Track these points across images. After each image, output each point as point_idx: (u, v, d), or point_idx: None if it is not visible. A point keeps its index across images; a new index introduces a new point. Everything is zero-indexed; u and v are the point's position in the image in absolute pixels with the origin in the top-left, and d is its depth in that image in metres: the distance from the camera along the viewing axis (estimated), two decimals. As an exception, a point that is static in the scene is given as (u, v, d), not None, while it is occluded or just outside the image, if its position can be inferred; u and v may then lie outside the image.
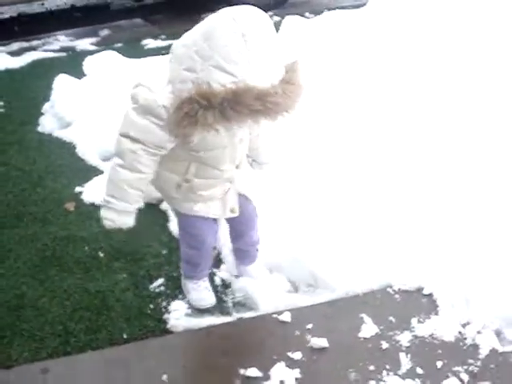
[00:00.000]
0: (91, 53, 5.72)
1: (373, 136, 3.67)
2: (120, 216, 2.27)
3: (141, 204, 2.32)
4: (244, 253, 2.82)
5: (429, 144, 3.54)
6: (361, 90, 4.08)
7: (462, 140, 3.51)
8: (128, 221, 2.30)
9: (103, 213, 2.29)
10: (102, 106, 4.27)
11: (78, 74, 5.05)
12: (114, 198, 2.24)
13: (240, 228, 2.72)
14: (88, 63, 5.04)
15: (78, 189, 3.71)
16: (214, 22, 1.97)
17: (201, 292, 2.71)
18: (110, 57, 5.14)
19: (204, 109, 1.92)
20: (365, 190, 3.24)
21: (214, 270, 2.92)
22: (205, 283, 2.74)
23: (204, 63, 1.93)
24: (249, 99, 1.89)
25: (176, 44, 2.09)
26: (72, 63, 5.53)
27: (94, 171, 3.86)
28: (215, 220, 2.58)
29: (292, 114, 2.05)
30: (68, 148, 4.19)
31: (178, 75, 2.03)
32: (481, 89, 3.87)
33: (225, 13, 1.97)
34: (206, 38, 1.95)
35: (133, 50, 6.09)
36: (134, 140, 2.13)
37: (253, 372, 2.34)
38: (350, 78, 4.21)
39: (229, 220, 2.68)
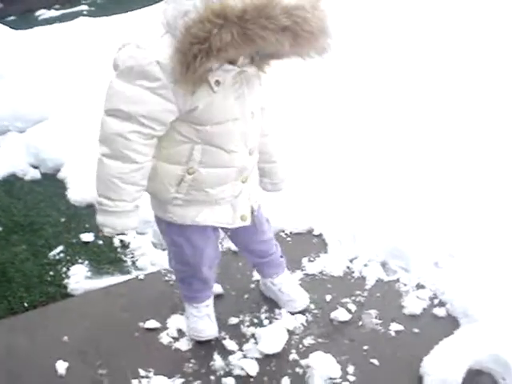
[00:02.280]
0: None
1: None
2: (120, 219, 1.84)
3: (141, 198, 1.88)
4: (261, 266, 2.46)
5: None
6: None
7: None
8: (130, 223, 1.87)
9: (99, 219, 1.86)
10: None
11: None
12: (108, 199, 1.80)
13: (243, 239, 2.31)
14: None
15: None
16: None
17: (200, 321, 2.34)
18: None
19: (218, 28, 1.50)
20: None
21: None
22: (207, 309, 2.35)
23: None
24: (275, 11, 1.50)
25: None
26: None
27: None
28: (215, 228, 2.14)
29: (321, 53, 1.67)
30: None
31: (181, 8, 1.59)
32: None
33: None
34: None
35: (26, 22, 5.93)
36: (124, 117, 1.69)
37: (152, 324, 2.43)
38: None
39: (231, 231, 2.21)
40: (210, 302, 2.37)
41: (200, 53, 1.53)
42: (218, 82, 1.68)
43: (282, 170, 2.25)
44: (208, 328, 2.34)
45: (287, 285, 2.47)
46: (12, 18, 6.27)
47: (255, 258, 2.40)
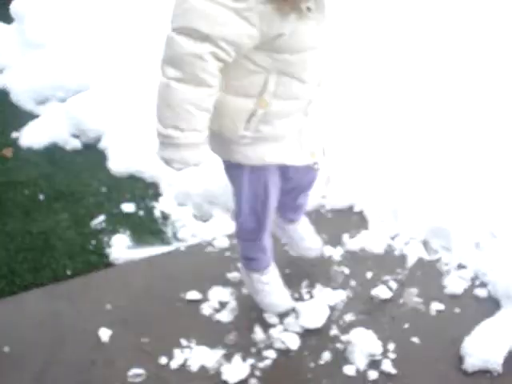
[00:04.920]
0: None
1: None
2: (191, 150, 1.67)
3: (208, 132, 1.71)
4: (297, 208, 2.44)
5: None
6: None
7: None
8: (201, 155, 1.71)
9: (166, 154, 1.68)
10: (35, 51, 4.20)
11: (5, 19, 4.91)
12: (179, 130, 1.63)
13: (302, 183, 2.26)
14: (15, 7, 4.87)
15: (14, 134, 3.68)
16: None
17: (273, 293, 2.31)
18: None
19: None
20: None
21: (154, 203, 2.99)
22: (275, 279, 2.32)
23: None
24: None
25: None
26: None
27: (30, 116, 3.81)
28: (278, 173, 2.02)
29: None
30: (1, 95, 4.13)
31: None
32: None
33: None
34: None
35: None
36: (201, 38, 1.51)
37: (193, 295, 2.45)
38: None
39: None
40: (275, 269, 2.33)
41: None
42: (309, 9, 1.59)
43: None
44: (283, 301, 2.34)
45: (308, 230, 2.51)
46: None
47: (298, 200, 2.34)
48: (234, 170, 1.96)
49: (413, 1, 4.13)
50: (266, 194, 1.99)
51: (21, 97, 3.98)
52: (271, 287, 2.32)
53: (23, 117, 3.82)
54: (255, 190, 1.98)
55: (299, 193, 2.31)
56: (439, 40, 3.75)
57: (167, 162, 1.70)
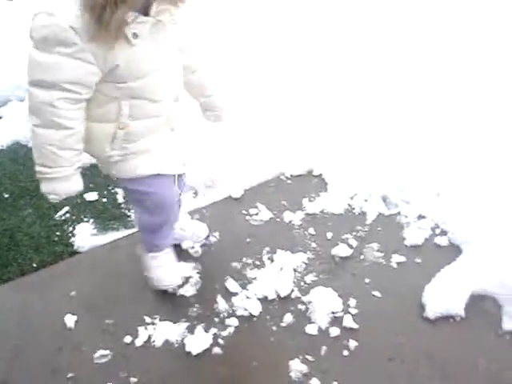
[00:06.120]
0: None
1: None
2: (62, 184, 1.86)
3: (81, 162, 1.89)
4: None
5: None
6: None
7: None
8: (74, 186, 1.90)
9: (42, 187, 1.87)
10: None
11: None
12: (46, 167, 1.81)
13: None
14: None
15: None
16: None
17: (164, 269, 2.39)
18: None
19: None
20: (255, 80, 3.30)
21: (116, 190, 3.00)
22: (168, 256, 2.41)
23: None
24: None
25: None
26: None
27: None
28: (169, 177, 2.13)
29: None
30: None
31: None
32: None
33: None
34: None
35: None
36: (48, 86, 1.67)
37: (156, 273, 2.46)
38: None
39: None
40: (171, 249, 2.43)
41: (107, 3, 1.53)
42: (135, 35, 1.68)
43: (220, 101, 2.24)
44: (171, 276, 2.40)
45: (186, 221, 2.58)
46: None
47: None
48: (119, 182, 2.16)
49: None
50: (156, 195, 2.11)
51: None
52: (164, 265, 2.39)
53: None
54: (144, 194, 2.10)
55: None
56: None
57: (44, 194, 1.89)
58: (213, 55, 2.86)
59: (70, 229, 2.84)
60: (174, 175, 2.13)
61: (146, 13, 1.71)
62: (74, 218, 2.91)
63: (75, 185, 1.90)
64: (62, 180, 1.84)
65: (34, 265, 2.68)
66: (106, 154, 1.93)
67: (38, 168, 1.82)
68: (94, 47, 1.63)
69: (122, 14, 1.57)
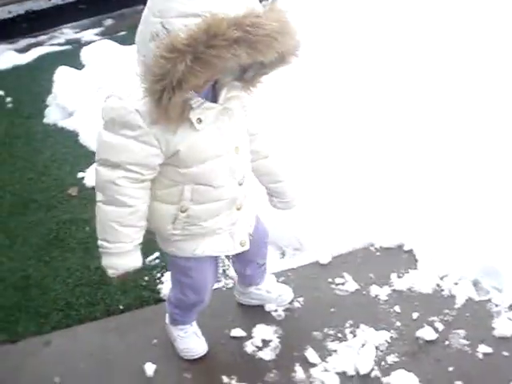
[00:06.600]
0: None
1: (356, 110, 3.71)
2: (121, 259, 1.92)
3: (141, 239, 1.95)
4: (251, 277, 2.54)
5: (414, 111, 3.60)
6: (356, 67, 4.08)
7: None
8: (131, 262, 1.95)
9: (103, 261, 1.94)
10: (101, 94, 4.41)
11: (80, 65, 5.20)
12: (107, 242, 1.88)
13: (246, 257, 2.33)
14: (85, 53, 5.17)
15: (80, 174, 3.87)
16: None
17: (189, 340, 2.44)
18: (106, 45, 5.27)
19: (173, 64, 1.49)
20: (345, 150, 3.31)
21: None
22: (192, 328, 2.45)
23: (164, 19, 1.53)
24: (221, 27, 1.45)
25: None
26: (75, 55, 5.62)
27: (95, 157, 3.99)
28: (216, 256, 2.21)
29: (292, 51, 1.63)
30: (71, 136, 4.35)
31: (141, 52, 1.62)
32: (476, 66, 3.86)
33: None
34: None
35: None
36: (113, 166, 1.75)
37: (237, 332, 2.49)
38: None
39: None
40: (194, 321, 2.46)
41: (165, 89, 1.54)
42: (199, 120, 1.71)
43: (290, 189, 2.25)
44: (197, 347, 2.43)
45: (272, 283, 2.62)
46: (123, 33, 6.50)
47: (252, 269, 2.45)
48: (169, 258, 2.20)
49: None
50: (199, 278, 2.18)
51: (88, 139, 4.18)
52: (189, 336, 2.44)
53: (90, 158, 3.98)
54: (188, 275, 2.16)
55: (245, 265, 2.44)
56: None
57: (104, 268, 1.96)
58: (283, 139, 2.88)
59: (159, 275, 2.92)
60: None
61: (214, 98, 1.76)
62: (163, 264, 2.98)
63: (134, 261, 1.95)
64: (121, 255, 1.91)
65: (121, 307, 2.77)
66: (168, 233, 1.98)
67: (99, 242, 1.90)
68: (157, 130, 1.69)
69: (179, 99, 1.58)
